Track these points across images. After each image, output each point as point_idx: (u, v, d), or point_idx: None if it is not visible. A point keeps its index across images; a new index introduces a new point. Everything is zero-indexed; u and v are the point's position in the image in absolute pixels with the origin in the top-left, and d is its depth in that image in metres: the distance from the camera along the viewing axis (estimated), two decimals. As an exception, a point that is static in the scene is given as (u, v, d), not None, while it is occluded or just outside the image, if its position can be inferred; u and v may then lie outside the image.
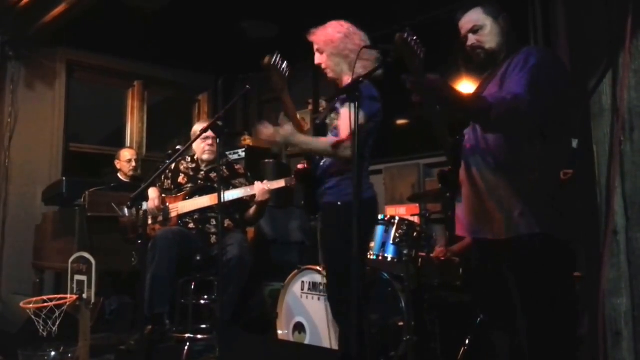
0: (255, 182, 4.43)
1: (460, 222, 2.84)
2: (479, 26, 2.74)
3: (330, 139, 3.08)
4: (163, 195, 4.62)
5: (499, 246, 2.60)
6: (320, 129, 3.25)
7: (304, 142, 3.12)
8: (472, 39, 2.76)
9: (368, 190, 3.20)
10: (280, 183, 4.31)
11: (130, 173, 6.23)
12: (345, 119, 2.97)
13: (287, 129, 3.05)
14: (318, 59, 3.27)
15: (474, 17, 2.76)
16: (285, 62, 3.15)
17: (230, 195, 4.40)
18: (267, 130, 3.07)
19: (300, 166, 3.38)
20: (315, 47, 3.28)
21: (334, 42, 3.18)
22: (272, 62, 3.10)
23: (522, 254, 2.51)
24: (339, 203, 3.07)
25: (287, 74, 3.14)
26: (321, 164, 3.24)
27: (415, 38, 2.36)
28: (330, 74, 3.26)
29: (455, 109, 2.67)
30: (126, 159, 6.23)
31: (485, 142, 2.69)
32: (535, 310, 2.48)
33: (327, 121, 3.27)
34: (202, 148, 4.67)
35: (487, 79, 2.78)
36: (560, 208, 2.42)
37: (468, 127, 2.85)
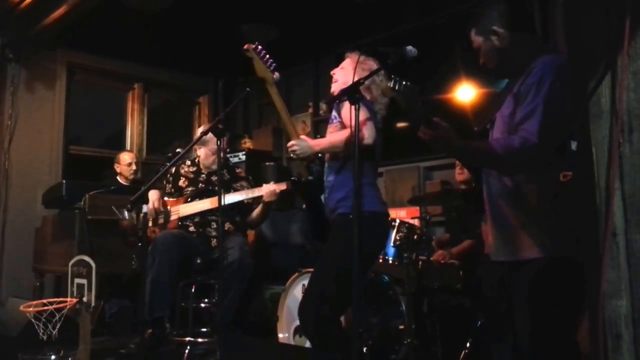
0: (264, 184, 4.41)
1: (487, 243, 2.82)
2: (477, 47, 2.72)
3: (342, 132, 3.06)
4: (165, 198, 4.61)
5: (514, 267, 2.59)
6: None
7: (317, 144, 3.14)
8: (480, 60, 2.74)
9: (380, 204, 3.18)
10: (281, 186, 4.29)
11: (131, 177, 6.22)
12: (347, 114, 3.02)
13: (301, 137, 3.13)
14: (335, 70, 3.35)
15: (472, 39, 2.73)
16: (270, 58, 3.14)
17: (235, 197, 4.39)
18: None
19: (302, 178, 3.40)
20: (341, 65, 3.35)
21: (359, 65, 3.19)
22: (252, 48, 3.10)
23: (537, 277, 2.48)
24: (352, 216, 2.99)
25: (272, 67, 3.13)
26: (330, 177, 3.22)
27: (405, 82, 2.45)
28: (333, 87, 3.32)
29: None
30: (126, 163, 6.22)
31: None
32: (542, 329, 2.48)
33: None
34: (212, 160, 4.65)
35: (502, 94, 2.71)
36: (567, 222, 2.39)
37: None
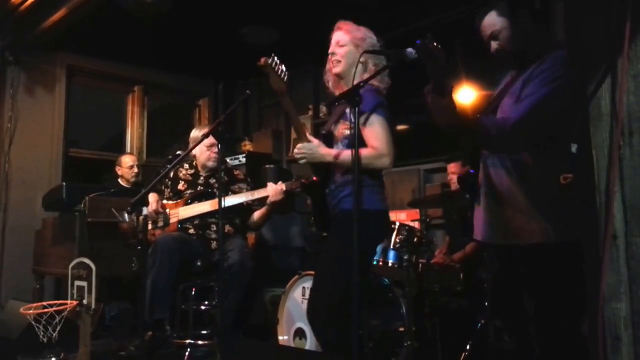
0: (268, 184, 4.37)
1: (477, 225, 2.80)
2: (497, 31, 2.62)
3: (360, 150, 2.83)
4: (163, 202, 4.61)
5: (513, 251, 2.59)
6: (327, 138, 3.16)
7: (328, 154, 3.04)
8: (493, 45, 2.66)
9: (382, 201, 3.13)
10: (291, 185, 4.26)
11: (132, 179, 6.22)
12: (377, 131, 2.97)
13: (314, 142, 3.03)
14: (336, 48, 3.17)
15: (489, 22, 2.64)
16: (283, 65, 3.07)
17: (235, 200, 4.36)
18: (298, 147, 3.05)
19: (304, 181, 3.33)
20: (337, 39, 3.18)
21: (360, 42, 3.10)
22: (269, 63, 3.02)
23: (538, 262, 2.49)
24: (353, 215, 2.97)
25: (285, 77, 3.07)
26: (336, 176, 3.15)
27: (436, 44, 2.36)
28: (338, 69, 3.15)
29: (459, 127, 2.66)
30: (128, 165, 6.22)
31: None
32: (547, 316, 2.49)
33: (333, 130, 3.18)
34: (207, 155, 4.65)
35: (513, 79, 2.68)
36: (567, 212, 2.42)
37: None
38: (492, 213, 2.69)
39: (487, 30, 2.66)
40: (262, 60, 2.97)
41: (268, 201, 4.33)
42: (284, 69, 3.01)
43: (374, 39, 3.16)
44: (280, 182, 4.27)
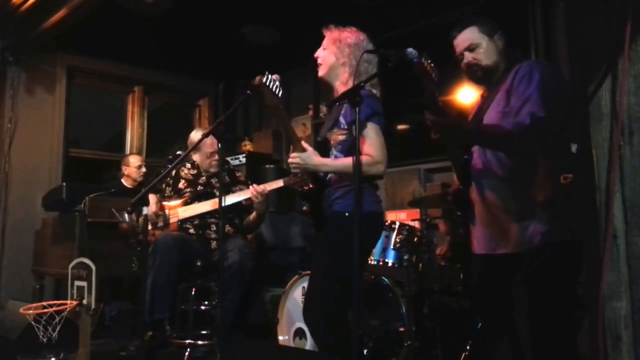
0: (251, 186, 4.39)
1: (476, 240, 2.83)
2: (475, 44, 2.80)
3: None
4: (163, 202, 4.61)
5: (514, 260, 2.61)
6: (322, 145, 3.14)
7: (323, 164, 3.03)
8: (468, 57, 2.82)
9: (375, 203, 3.11)
10: (279, 183, 4.24)
11: (140, 179, 6.20)
12: (371, 138, 2.95)
13: (308, 151, 3.01)
14: (319, 52, 3.21)
15: (469, 36, 2.82)
16: (278, 82, 3.06)
17: (231, 199, 4.37)
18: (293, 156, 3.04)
19: (305, 188, 3.30)
20: (324, 42, 3.21)
21: (340, 44, 3.11)
22: (264, 82, 3.01)
23: (539, 264, 2.52)
24: (347, 214, 2.94)
25: (279, 92, 3.05)
26: (328, 176, 3.14)
27: (430, 61, 2.54)
28: (321, 72, 3.18)
29: (474, 142, 2.78)
30: (136, 165, 6.20)
31: (496, 159, 2.71)
32: (545, 319, 2.50)
33: (328, 136, 3.15)
34: (208, 163, 4.68)
35: (489, 95, 2.80)
36: (566, 212, 2.45)
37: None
38: (490, 226, 2.74)
39: (464, 42, 2.83)
40: (257, 79, 2.98)
41: (252, 203, 4.36)
42: (278, 84, 3.01)
43: (353, 37, 3.14)
44: (280, 180, 4.27)
